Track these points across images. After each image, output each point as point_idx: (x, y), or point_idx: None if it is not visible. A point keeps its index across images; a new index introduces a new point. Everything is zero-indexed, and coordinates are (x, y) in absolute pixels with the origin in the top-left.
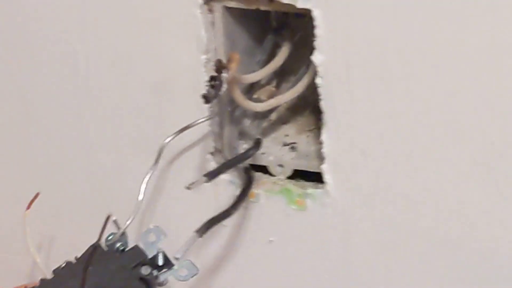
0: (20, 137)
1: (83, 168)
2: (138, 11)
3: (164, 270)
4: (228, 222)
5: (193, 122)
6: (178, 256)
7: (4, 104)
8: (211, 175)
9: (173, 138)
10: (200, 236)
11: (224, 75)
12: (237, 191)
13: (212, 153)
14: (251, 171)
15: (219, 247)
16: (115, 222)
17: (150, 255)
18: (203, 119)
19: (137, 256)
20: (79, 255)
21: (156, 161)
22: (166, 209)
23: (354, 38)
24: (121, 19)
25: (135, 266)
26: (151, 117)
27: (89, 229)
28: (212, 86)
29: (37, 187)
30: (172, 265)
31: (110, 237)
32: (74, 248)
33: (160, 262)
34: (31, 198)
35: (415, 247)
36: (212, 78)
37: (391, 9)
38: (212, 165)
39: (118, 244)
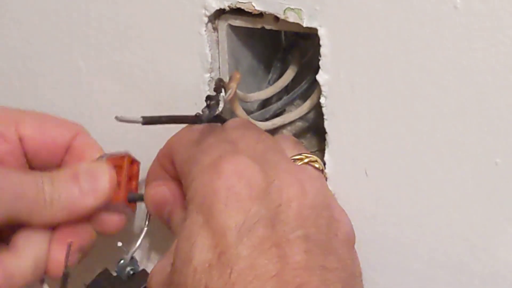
0: None
1: None
2: (142, 28)
3: None
4: None
5: None
6: None
7: None
8: (149, 120)
9: None
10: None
11: (222, 94)
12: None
13: None
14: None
15: None
16: (121, 247)
17: None
18: None
19: (144, 280)
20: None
21: None
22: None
23: (359, 57)
24: (124, 36)
25: None
26: (155, 135)
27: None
28: (207, 106)
29: None
30: None
31: (121, 262)
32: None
33: None
34: None
35: (417, 270)
36: (208, 98)
37: (397, 28)
38: None
39: (128, 269)
